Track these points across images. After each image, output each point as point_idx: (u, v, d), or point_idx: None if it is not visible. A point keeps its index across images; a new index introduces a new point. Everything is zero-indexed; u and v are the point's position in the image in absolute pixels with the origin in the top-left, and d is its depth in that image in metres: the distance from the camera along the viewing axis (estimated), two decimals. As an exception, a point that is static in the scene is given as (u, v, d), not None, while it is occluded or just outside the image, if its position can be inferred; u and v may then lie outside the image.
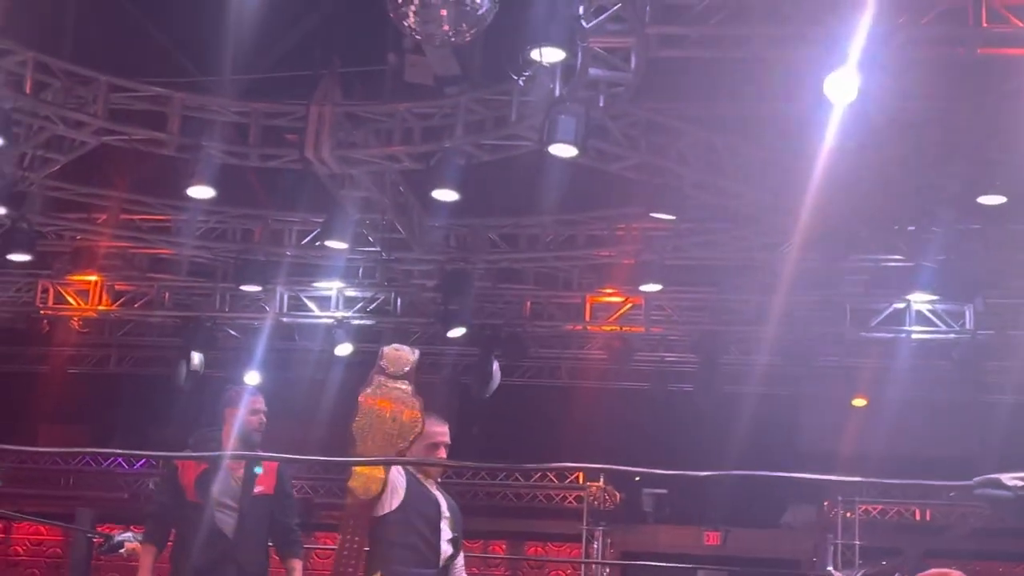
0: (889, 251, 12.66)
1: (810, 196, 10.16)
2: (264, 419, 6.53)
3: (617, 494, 19.89)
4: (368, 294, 14.69)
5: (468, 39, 7.89)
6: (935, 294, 12.76)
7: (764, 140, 10.67)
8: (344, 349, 14.41)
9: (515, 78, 8.98)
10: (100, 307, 14.88)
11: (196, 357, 14.63)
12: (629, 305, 14.63)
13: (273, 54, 11.22)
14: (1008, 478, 3.11)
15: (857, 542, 17.88)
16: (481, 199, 11.74)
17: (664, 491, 19.77)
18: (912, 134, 10.13)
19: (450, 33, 7.71)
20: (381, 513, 5.57)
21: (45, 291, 14.77)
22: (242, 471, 6.41)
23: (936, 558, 13.28)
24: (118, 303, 14.94)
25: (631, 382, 16.35)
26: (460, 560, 5.94)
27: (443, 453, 5.90)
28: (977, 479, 3.26)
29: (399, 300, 14.72)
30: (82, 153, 11.10)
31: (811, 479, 3.82)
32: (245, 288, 13.56)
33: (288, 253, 13.43)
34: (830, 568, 16.46)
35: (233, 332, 15.59)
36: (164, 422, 15.69)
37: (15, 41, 9.76)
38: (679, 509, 19.82)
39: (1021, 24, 8.07)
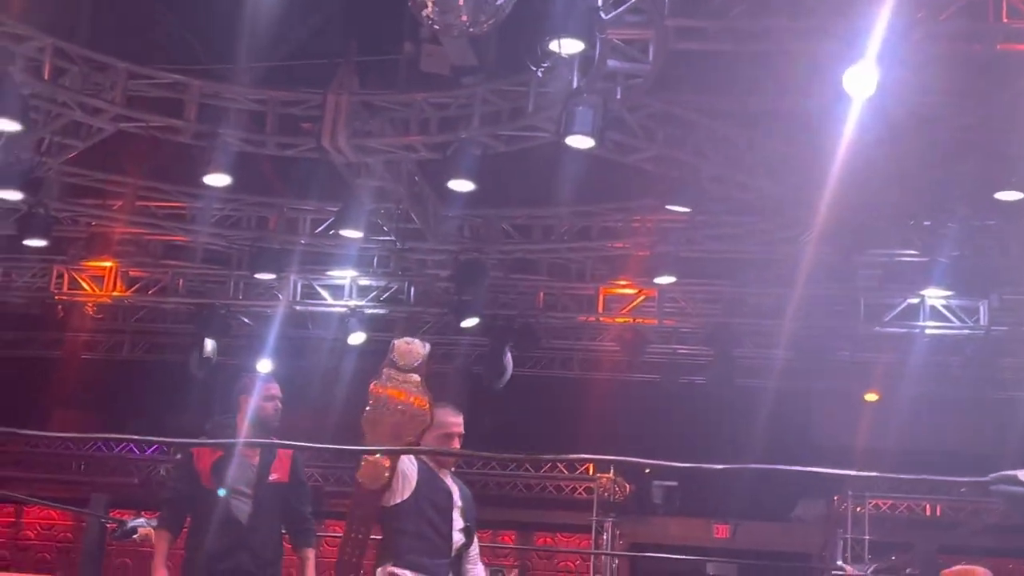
0: (904, 246, 12.64)
1: (826, 190, 10.13)
2: (279, 405, 6.53)
3: (627, 486, 19.92)
4: (382, 283, 14.69)
5: (486, 29, 7.89)
6: (950, 290, 12.72)
7: (781, 134, 10.65)
8: (357, 338, 14.41)
9: (533, 69, 8.98)
10: (114, 293, 14.92)
11: (209, 344, 14.66)
12: (642, 297, 14.62)
13: (288, 43, 11.22)
14: (1024, 474, 3.11)
15: (867, 537, 17.88)
16: (496, 190, 11.73)
17: (674, 483, 19.78)
18: (929, 129, 10.11)
19: (468, 23, 7.71)
20: (393, 503, 5.59)
21: (60, 277, 14.81)
22: (257, 458, 6.41)
23: (948, 554, 13.24)
24: (132, 289, 14.98)
25: (644, 374, 16.33)
26: (475, 549, 5.94)
27: (457, 444, 5.90)
28: (993, 475, 3.27)
29: (412, 290, 14.73)
30: (99, 140, 11.12)
31: (827, 474, 3.82)
32: (259, 276, 13.58)
33: (302, 241, 13.44)
34: (840, 563, 16.46)
35: (247, 320, 15.62)
36: (177, 409, 15.74)
37: (34, 27, 9.77)
38: (689, 502, 19.84)
39: (1041, 20, 8.05)
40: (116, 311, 16.11)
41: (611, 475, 19.68)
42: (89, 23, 10.51)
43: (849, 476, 8.16)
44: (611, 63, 8.94)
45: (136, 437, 11.93)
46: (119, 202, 13.03)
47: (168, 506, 6.62)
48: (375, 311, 14.76)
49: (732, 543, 19.34)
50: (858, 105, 8.32)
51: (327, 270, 14.50)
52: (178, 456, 7.75)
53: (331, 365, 14.95)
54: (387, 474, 5.39)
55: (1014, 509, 3.21)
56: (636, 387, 16.62)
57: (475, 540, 5.95)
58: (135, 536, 8.66)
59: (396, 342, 5.58)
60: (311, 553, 6.61)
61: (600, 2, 8.21)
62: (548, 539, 20.55)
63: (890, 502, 18.88)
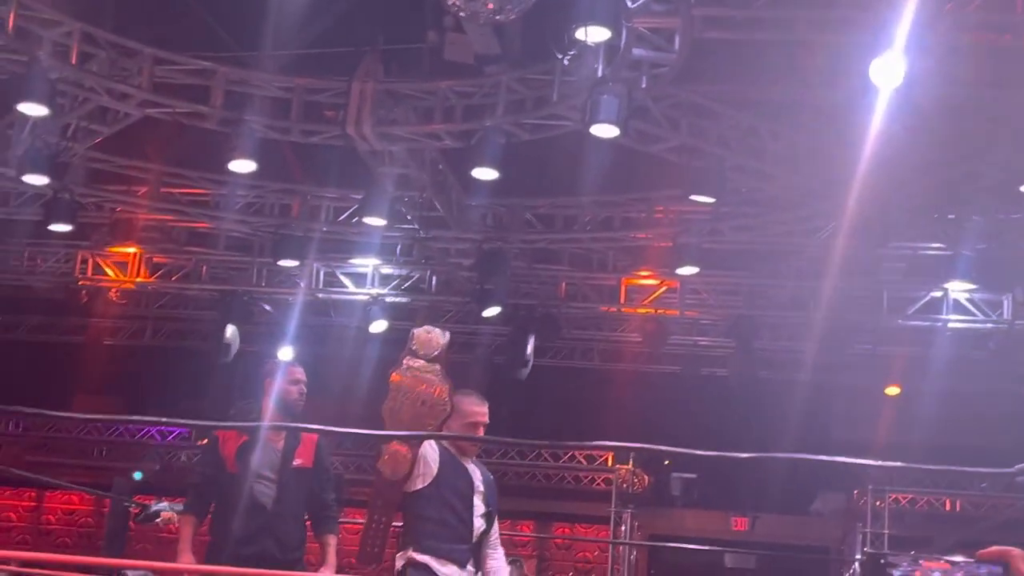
0: (928, 239, 12.59)
1: (851, 182, 10.09)
2: (304, 389, 6.52)
3: (646, 477, 19.91)
4: (404, 272, 14.71)
5: (512, 17, 7.89)
6: (973, 283, 12.65)
7: (806, 125, 10.61)
8: (379, 326, 14.43)
9: (559, 57, 8.97)
10: (138, 279, 15.00)
11: (231, 331, 14.70)
12: (664, 288, 14.60)
13: (314, 31, 11.23)
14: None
15: (886, 531, 17.83)
16: (520, 179, 11.73)
17: (693, 475, 19.75)
18: (956, 120, 10.05)
19: (495, 11, 7.72)
20: (414, 489, 5.61)
21: (84, 262, 14.89)
22: (282, 443, 6.42)
23: (968, 549, 13.20)
24: (156, 275, 15.06)
25: (665, 365, 16.31)
26: (495, 534, 5.97)
27: (481, 433, 5.93)
28: (1019, 466, 3.25)
29: (434, 278, 14.75)
30: (125, 125, 11.17)
31: (850, 463, 3.82)
32: (282, 263, 13.61)
33: (325, 229, 13.46)
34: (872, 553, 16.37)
35: (269, 307, 15.66)
36: (199, 395, 15.81)
37: (62, 12, 9.82)
38: (707, 494, 19.80)
39: (1070, 12, 7.99)
40: (140, 297, 16.19)
41: (630, 466, 19.68)
42: (117, 8, 10.54)
43: (872, 467, 8.12)
44: (636, 52, 8.92)
45: (164, 420, 11.91)
46: (144, 188, 13.09)
47: (194, 491, 6.62)
48: (397, 299, 14.79)
49: (750, 535, 19.33)
50: (885, 96, 8.28)
51: (349, 258, 14.52)
52: (204, 441, 7.76)
53: (353, 353, 14.95)
54: (408, 464, 5.42)
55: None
56: (657, 378, 16.61)
57: (495, 525, 5.97)
58: (158, 520, 8.73)
59: (416, 331, 5.60)
60: (333, 539, 6.57)
61: (626, -10, 8.20)
62: (566, 529, 20.57)
63: (910, 496, 18.81)
